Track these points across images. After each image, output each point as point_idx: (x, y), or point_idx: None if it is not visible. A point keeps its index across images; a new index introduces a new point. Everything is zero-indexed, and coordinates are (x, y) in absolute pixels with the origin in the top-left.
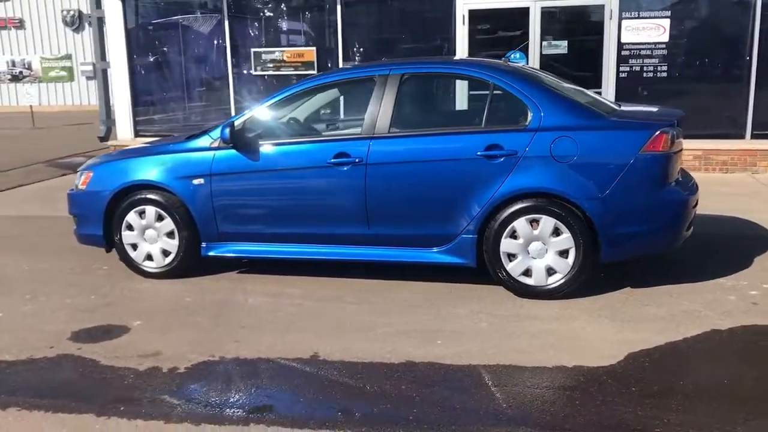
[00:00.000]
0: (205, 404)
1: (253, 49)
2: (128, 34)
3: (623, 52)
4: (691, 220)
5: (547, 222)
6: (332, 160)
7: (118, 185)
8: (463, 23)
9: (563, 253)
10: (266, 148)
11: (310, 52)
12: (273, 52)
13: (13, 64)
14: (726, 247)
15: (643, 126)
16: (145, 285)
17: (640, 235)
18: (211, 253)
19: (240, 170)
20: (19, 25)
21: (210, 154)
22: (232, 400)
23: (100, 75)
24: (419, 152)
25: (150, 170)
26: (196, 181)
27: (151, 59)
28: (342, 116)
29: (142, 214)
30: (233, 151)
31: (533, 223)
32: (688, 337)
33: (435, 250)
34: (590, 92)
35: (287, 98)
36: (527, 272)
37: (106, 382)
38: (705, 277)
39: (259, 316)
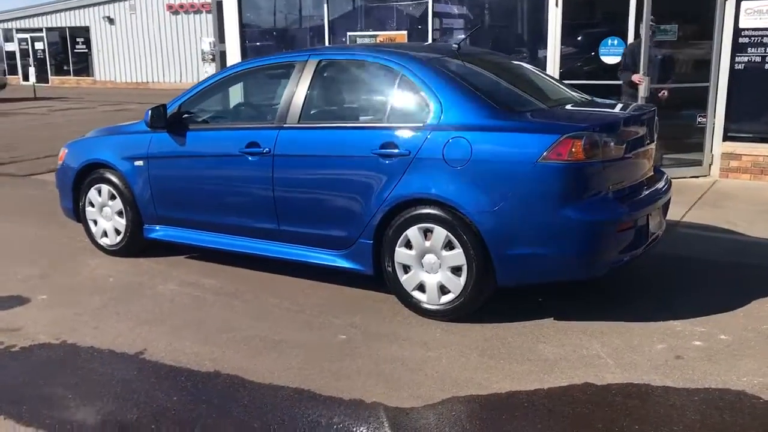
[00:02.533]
0: None
1: (349, 33)
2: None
3: (741, 39)
4: (630, 242)
5: (439, 233)
6: (244, 149)
7: (81, 162)
8: (556, 5)
9: (456, 270)
10: (193, 133)
11: (402, 36)
12: (366, 36)
13: (214, 45)
14: (726, 278)
15: (547, 129)
16: (93, 261)
17: (538, 259)
18: (151, 236)
19: (170, 154)
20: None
21: (149, 136)
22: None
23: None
24: (321, 146)
25: (106, 150)
26: (137, 163)
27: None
28: (265, 103)
29: (100, 191)
30: (166, 135)
31: (427, 233)
32: (543, 389)
33: (336, 253)
34: (566, 88)
35: (219, 82)
36: (421, 287)
37: None
38: (660, 316)
39: (149, 303)
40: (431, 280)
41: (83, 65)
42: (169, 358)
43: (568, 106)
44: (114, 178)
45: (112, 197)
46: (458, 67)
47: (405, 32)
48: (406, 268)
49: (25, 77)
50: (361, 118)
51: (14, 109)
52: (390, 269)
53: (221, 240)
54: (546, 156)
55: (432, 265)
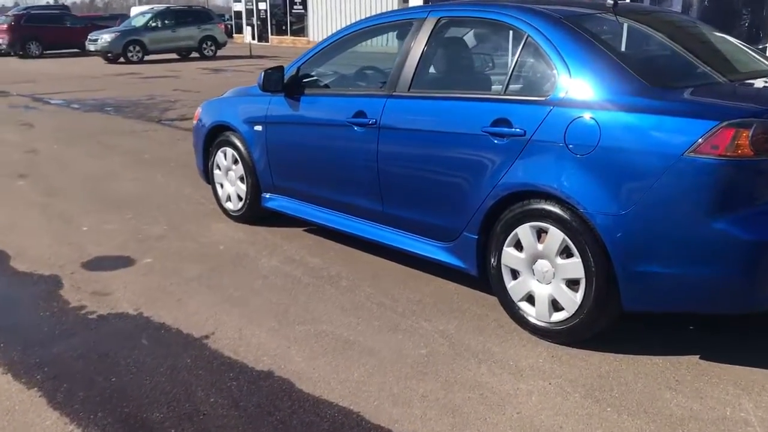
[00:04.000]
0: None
1: None
2: None
3: None
4: None
5: (555, 236)
6: (351, 119)
7: (211, 123)
8: None
9: (573, 284)
10: (306, 98)
11: None
12: None
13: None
14: None
15: (702, 112)
16: (214, 226)
17: (677, 282)
18: (267, 205)
19: (284, 120)
20: None
21: (267, 99)
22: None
23: None
24: (427, 119)
25: (233, 112)
26: (256, 127)
27: None
28: (380, 67)
29: (225, 155)
30: (283, 98)
31: (541, 233)
32: None
33: (438, 245)
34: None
35: (336, 43)
36: (531, 298)
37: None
38: None
39: (244, 279)
40: (542, 292)
41: (300, 25)
42: (231, 347)
43: (760, 82)
44: (237, 142)
45: (235, 162)
46: (607, 29)
47: None
48: (515, 273)
49: (252, 36)
50: (475, 88)
51: (227, 66)
52: (495, 272)
53: (330, 217)
54: (697, 148)
55: (544, 274)
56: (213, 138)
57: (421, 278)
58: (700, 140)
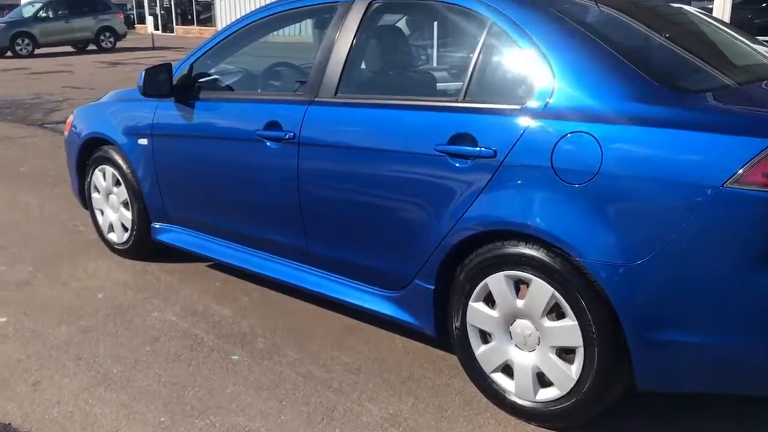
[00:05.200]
0: None
1: None
2: None
3: None
4: None
5: (540, 289)
6: (262, 132)
7: (85, 135)
8: None
9: (566, 353)
10: (203, 104)
11: None
12: None
13: None
14: None
15: (746, 127)
16: (93, 264)
17: (711, 354)
18: (159, 238)
19: (176, 132)
20: None
21: (154, 105)
22: None
23: None
24: (364, 133)
25: (111, 121)
26: (141, 141)
27: None
28: (297, 64)
29: (104, 174)
30: (172, 104)
31: (520, 285)
32: None
33: (382, 294)
34: (761, 49)
35: (240, 33)
36: (508, 369)
37: None
38: None
39: (125, 345)
40: (523, 361)
41: (207, 14)
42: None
43: None
44: (118, 159)
45: (117, 183)
46: (590, 16)
47: None
48: (485, 337)
49: (155, 27)
50: (424, 93)
51: (127, 59)
52: (458, 332)
53: (240, 255)
54: (742, 178)
55: (526, 339)
56: (89, 153)
57: (360, 332)
58: (745, 167)
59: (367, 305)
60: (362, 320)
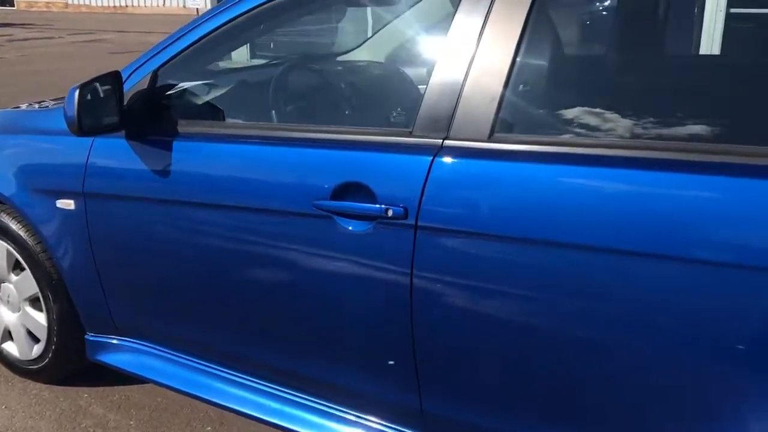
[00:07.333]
0: None
1: None
2: None
3: None
4: None
5: None
6: (327, 203)
7: None
8: None
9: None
10: (183, 144)
11: None
12: None
13: None
14: None
15: None
16: None
17: None
18: (101, 359)
19: (130, 190)
20: None
21: (86, 142)
22: None
23: None
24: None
25: (3, 166)
26: (63, 203)
27: None
28: (362, 64)
29: None
30: (123, 142)
31: None
32: None
33: None
34: None
35: (234, 25)
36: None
37: None
38: None
39: None
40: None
41: None
42: None
43: None
44: (17, 229)
45: (16, 267)
46: None
47: None
48: None
49: None
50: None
51: None
52: None
53: (271, 406)
54: None
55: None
56: None
57: None
58: None
59: None
60: None
